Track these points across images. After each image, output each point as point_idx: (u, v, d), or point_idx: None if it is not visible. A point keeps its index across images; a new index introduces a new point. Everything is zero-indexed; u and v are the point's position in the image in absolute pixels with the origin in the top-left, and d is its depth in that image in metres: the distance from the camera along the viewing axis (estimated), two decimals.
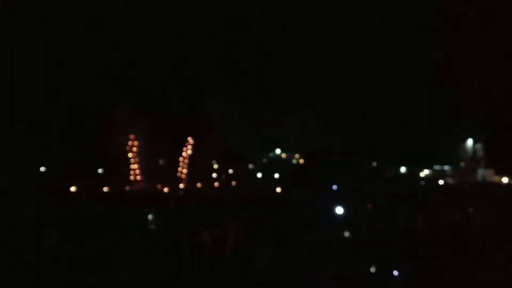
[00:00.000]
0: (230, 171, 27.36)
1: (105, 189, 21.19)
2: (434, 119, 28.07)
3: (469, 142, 32.17)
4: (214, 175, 25.87)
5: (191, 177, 23.57)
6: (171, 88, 24.48)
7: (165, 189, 21.55)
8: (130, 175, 22.70)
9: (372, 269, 8.47)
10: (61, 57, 22.95)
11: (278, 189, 22.32)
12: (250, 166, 29.62)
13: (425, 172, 33.42)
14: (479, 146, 32.03)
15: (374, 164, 30.91)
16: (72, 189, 20.69)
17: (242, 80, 24.90)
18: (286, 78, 26.91)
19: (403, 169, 32.68)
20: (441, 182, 30.30)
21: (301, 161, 31.54)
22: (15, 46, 22.64)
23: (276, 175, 27.41)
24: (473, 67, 22.11)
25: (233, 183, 26.00)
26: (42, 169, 24.43)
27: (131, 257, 8.96)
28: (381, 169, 30.91)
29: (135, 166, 22.73)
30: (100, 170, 24.12)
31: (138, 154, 22.87)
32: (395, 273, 7.97)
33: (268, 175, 27.20)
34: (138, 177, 22.69)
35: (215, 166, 26.60)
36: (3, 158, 23.05)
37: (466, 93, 22.57)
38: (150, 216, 13.30)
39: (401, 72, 26.90)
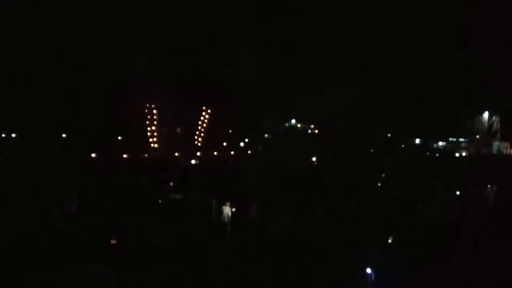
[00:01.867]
0: (246, 140, 27.69)
1: (125, 155, 21.75)
2: (451, 91, 27.94)
3: (486, 114, 31.95)
4: (231, 143, 26.19)
5: (208, 145, 23.95)
6: (190, 56, 24.69)
7: (183, 157, 21.98)
8: (149, 142, 23.16)
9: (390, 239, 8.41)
10: (79, 24, 23.19)
11: (314, 158, 21.78)
12: (266, 135, 29.88)
13: (440, 144, 33.34)
14: (495, 118, 31.80)
15: (389, 135, 30.99)
16: (93, 155, 21.28)
17: (260, 49, 24.93)
18: (304, 48, 26.85)
19: (417, 141, 32.68)
20: (457, 154, 30.23)
21: (316, 131, 31.68)
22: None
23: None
24: (491, 39, 21.89)
25: (249, 151, 26.36)
26: (64, 135, 25.07)
27: (151, 224, 9.22)
28: (396, 140, 30.93)
29: (153, 133, 23.18)
30: (120, 138, 24.67)
31: (157, 122, 23.28)
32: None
33: (288, 145, 27.28)
34: (156, 145, 23.16)
35: (232, 134, 26.90)
36: (26, 125, 23.69)
37: (483, 65, 22.41)
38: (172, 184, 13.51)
39: (418, 43, 26.70)
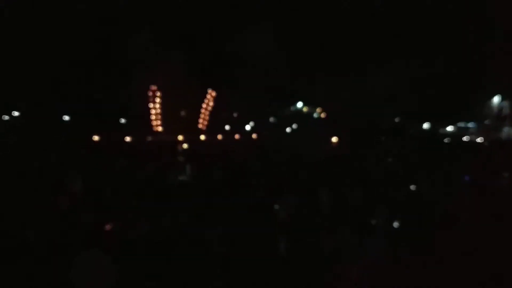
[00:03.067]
0: (251, 123, 27.42)
1: (128, 138, 21.54)
2: (460, 75, 27.47)
3: (495, 99, 31.48)
4: (234, 127, 25.94)
5: (212, 129, 23.69)
6: (195, 38, 24.27)
7: (185, 141, 21.74)
8: (152, 125, 22.90)
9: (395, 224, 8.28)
10: (80, 7, 22.83)
11: (334, 139, 21.16)
12: (271, 119, 29.57)
13: (448, 129, 32.96)
14: (505, 103, 31.35)
15: (397, 119, 30.60)
16: (95, 138, 21.06)
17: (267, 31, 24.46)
18: (312, 33, 26.36)
19: (425, 126, 32.27)
20: (465, 138, 29.89)
21: (323, 115, 31.33)
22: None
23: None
24: (500, 21, 21.35)
25: (254, 135, 26.07)
26: (66, 118, 24.85)
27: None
28: (404, 125, 30.57)
29: (157, 116, 22.88)
30: (122, 120, 24.44)
31: (160, 104, 22.97)
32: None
33: (298, 129, 26.93)
34: (160, 128, 22.87)
35: (236, 117, 26.66)
36: (26, 107, 23.50)
37: (493, 49, 21.93)
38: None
39: (426, 26, 26.16)
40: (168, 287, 6.38)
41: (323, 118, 31.02)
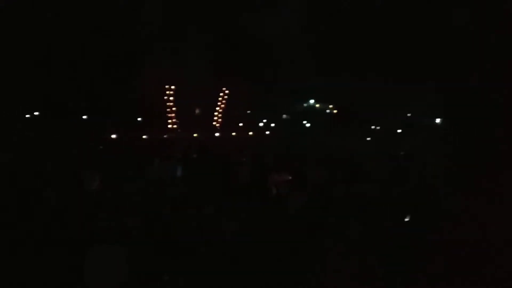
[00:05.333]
0: (264, 120, 27.72)
1: (144, 136, 21.99)
2: (474, 68, 27.26)
3: None
4: (248, 124, 26.27)
5: (226, 126, 24.06)
6: (207, 37, 24.62)
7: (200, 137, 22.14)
8: (168, 123, 23.35)
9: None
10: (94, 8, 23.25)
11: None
12: (284, 116, 29.82)
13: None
14: None
15: (408, 114, 30.53)
16: (113, 136, 21.55)
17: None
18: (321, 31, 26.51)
19: (438, 120, 32.16)
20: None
21: (335, 111, 31.48)
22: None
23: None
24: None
25: (267, 132, 26.41)
26: (84, 117, 25.39)
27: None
28: (415, 119, 30.41)
29: (172, 115, 23.34)
30: (139, 119, 24.91)
31: (175, 103, 23.43)
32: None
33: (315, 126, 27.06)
34: (175, 126, 23.34)
35: (249, 115, 26.96)
36: (46, 107, 24.04)
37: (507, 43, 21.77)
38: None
39: (442, 19, 25.95)
40: (183, 284, 6.69)
41: (335, 114, 31.18)
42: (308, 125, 28.54)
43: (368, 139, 22.09)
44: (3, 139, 17.27)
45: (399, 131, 26.78)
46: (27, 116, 24.99)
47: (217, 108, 24.32)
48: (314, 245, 7.42)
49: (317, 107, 32.04)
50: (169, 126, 23.25)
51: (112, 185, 9.92)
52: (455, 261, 6.77)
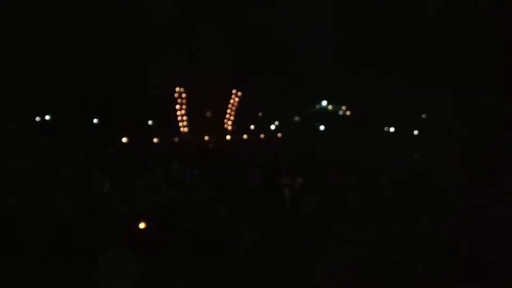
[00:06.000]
0: (276, 122, 27.47)
1: (155, 140, 21.88)
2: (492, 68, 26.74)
3: None
4: (260, 126, 26.05)
5: (237, 129, 23.86)
6: (218, 40, 24.43)
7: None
8: (179, 126, 23.20)
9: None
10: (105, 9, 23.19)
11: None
12: (296, 118, 29.53)
13: None
14: None
15: (424, 116, 30.06)
16: (124, 139, 21.43)
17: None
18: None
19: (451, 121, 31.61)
20: None
21: (348, 113, 31.14)
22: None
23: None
24: None
25: (279, 135, 26.15)
26: (95, 120, 25.34)
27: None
28: (430, 120, 29.92)
29: (183, 118, 23.18)
30: (150, 122, 24.82)
31: (186, 106, 23.27)
32: None
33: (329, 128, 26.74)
34: (186, 129, 23.16)
35: (261, 117, 26.75)
36: (58, 112, 24.06)
37: None
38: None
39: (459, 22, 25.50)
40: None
41: (348, 116, 30.84)
42: (321, 127, 28.18)
43: (383, 141, 21.68)
44: (16, 144, 17.27)
45: (415, 132, 26.37)
46: (38, 119, 25.02)
47: (229, 111, 24.09)
48: (325, 247, 7.22)
49: (330, 108, 31.70)
50: (180, 129, 23.09)
51: (125, 188, 9.83)
52: (468, 260, 6.53)
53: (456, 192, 10.54)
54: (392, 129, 27.20)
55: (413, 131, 26.35)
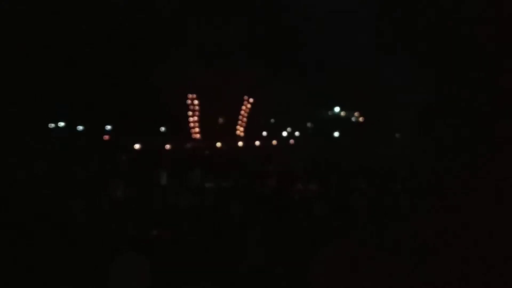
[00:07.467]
0: (289, 129, 27.43)
1: (167, 146, 21.94)
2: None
3: None
4: (272, 132, 26.05)
5: (249, 135, 23.87)
6: (230, 46, 24.49)
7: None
8: (191, 133, 23.27)
9: None
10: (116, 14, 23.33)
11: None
12: (309, 124, 29.43)
13: None
14: None
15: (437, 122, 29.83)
16: (136, 146, 21.54)
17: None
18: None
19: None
20: None
21: (361, 119, 30.96)
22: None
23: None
24: None
25: (291, 141, 26.12)
26: (108, 127, 25.46)
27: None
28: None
29: (195, 124, 23.25)
30: (162, 128, 24.89)
31: (198, 112, 23.33)
32: None
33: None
34: (198, 135, 23.23)
35: (273, 123, 26.73)
36: (71, 117, 24.25)
37: None
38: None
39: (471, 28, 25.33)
40: None
41: (361, 123, 30.66)
42: (335, 133, 28.08)
43: (395, 147, 21.53)
44: (32, 149, 17.46)
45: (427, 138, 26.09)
46: (52, 126, 25.20)
47: (240, 117, 24.13)
48: (335, 252, 7.21)
49: (342, 115, 31.54)
50: (192, 135, 23.16)
51: (139, 194, 9.92)
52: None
53: (463, 195, 10.48)
54: (405, 135, 26.96)
55: (424, 136, 26.09)
